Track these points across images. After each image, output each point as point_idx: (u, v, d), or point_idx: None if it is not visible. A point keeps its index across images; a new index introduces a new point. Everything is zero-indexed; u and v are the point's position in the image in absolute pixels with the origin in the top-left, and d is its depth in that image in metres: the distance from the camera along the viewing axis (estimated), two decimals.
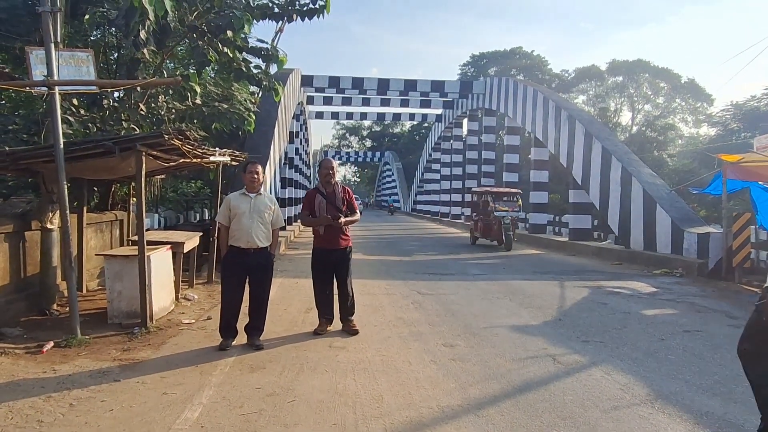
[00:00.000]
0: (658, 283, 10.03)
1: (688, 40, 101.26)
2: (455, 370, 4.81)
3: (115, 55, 11.25)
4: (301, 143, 29.37)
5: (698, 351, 5.53)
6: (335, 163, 6.20)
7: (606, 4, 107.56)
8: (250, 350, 5.32)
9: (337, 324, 6.18)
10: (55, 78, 5.54)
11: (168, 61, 11.27)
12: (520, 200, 17.76)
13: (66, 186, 5.73)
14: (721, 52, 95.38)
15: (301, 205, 6.88)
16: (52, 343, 5.33)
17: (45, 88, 5.63)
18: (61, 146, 5.59)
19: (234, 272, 5.51)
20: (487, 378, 4.62)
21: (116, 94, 9.23)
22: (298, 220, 26.24)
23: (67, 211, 5.74)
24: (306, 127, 32.56)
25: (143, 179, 6.08)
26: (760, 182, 10.03)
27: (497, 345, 5.64)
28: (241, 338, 5.59)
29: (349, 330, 6.01)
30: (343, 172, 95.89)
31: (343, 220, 5.94)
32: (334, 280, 6.15)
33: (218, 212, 5.64)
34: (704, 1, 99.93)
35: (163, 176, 11.12)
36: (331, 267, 6.10)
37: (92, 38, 10.56)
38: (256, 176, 5.58)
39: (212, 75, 11.50)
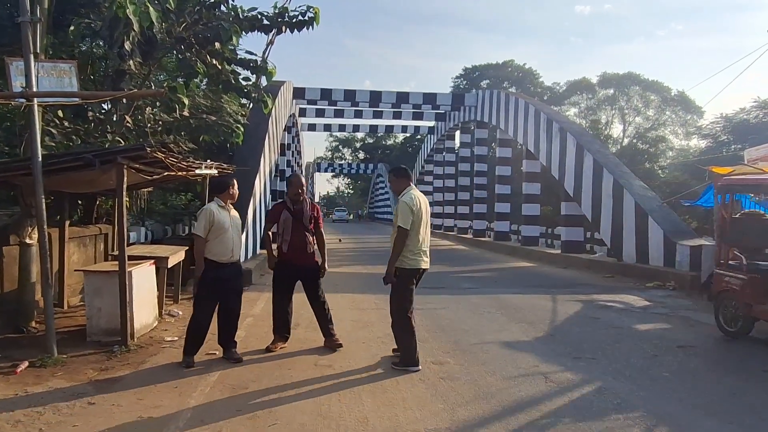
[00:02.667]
0: (651, 296, 9.93)
1: (677, 54, 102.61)
2: (444, 389, 4.67)
3: (103, 66, 11.12)
4: (293, 155, 29.18)
5: (692, 368, 5.42)
6: (305, 180, 6.11)
7: (595, 19, 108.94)
8: (231, 366, 5.20)
9: (319, 340, 6.02)
10: (34, 89, 5.41)
11: (157, 73, 11.16)
12: None
13: (46, 199, 5.57)
14: (707, 67, 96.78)
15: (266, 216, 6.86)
16: (26, 363, 5.14)
17: (23, 100, 5.49)
18: (39, 159, 5.43)
19: (216, 290, 5.37)
20: (477, 398, 4.48)
21: (102, 106, 9.08)
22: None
23: (45, 226, 5.57)
24: (298, 140, 32.41)
25: (124, 193, 5.92)
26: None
27: (487, 362, 5.50)
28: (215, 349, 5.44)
29: (332, 345, 5.87)
30: (336, 184, 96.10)
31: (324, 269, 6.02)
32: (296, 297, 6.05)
33: (197, 224, 5.42)
34: (690, 18, 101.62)
35: (150, 189, 10.95)
36: (293, 282, 5.98)
37: (79, 50, 10.44)
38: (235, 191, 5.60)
39: (202, 87, 11.38)
